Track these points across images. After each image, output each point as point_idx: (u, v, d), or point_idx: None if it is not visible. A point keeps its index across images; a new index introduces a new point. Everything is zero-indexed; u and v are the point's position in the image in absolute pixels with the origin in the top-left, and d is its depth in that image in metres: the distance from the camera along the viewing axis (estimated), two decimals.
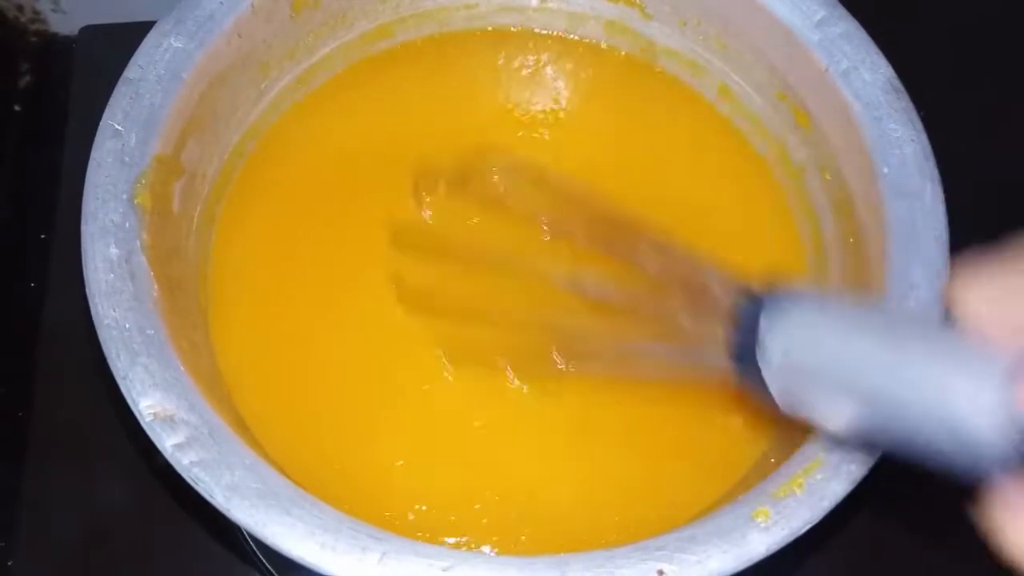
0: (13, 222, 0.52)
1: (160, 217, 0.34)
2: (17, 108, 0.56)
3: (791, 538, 0.28)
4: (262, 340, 0.37)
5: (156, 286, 0.32)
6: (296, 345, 0.37)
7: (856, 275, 0.35)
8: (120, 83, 0.34)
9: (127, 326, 0.30)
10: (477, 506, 0.34)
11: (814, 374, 0.24)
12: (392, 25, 0.44)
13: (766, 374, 0.24)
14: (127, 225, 0.32)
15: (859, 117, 0.36)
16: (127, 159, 0.33)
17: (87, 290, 0.30)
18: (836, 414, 0.24)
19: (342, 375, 0.37)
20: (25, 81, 0.58)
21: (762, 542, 0.28)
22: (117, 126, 0.33)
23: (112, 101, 0.34)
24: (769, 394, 0.25)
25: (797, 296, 0.25)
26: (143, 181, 0.33)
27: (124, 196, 0.32)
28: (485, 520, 0.34)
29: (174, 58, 0.35)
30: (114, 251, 0.31)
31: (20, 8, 0.57)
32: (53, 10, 0.58)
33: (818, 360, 0.23)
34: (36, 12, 0.58)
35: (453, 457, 0.35)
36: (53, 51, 0.58)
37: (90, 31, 0.53)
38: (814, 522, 0.28)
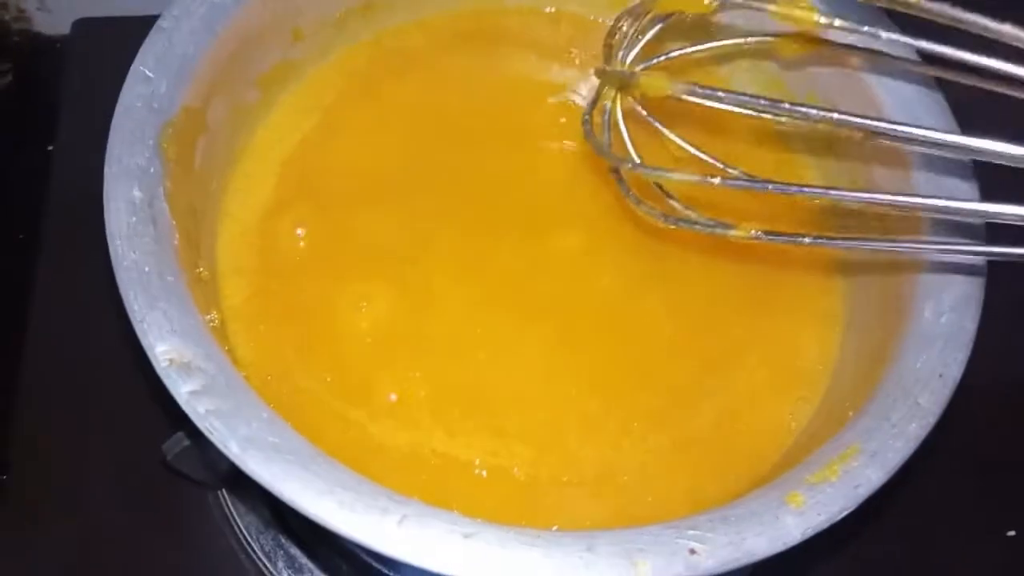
0: None
1: (183, 169, 0.33)
2: None
3: (827, 524, 0.27)
4: (266, 327, 0.36)
5: (177, 235, 0.31)
6: (302, 337, 0.36)
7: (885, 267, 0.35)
8: (153, 31, 0.34)
9: (146, 269, 0.29)
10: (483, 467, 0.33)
11: None
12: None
13: None
14: (152, 170, 0.31)
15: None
16: (156, 105, 0.32)
17: (107, 231, 0.29)
18: None
19: (346, 367, 0.35)
20: (6, 81, 0.57)
21: (797, 526, 0.27)
22: (148, 72, 0.33)
23: (144, 48, 0.33)
24: None
25: None
26: (170, 130, 0.32)
27: (151, 141, 0.31)
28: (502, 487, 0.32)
29: (210, 11, 0.35)
30: (137, 194, 0.30)
31: (4, 7, 0.57)
32: (39, 8, 0.57)
33: None
34: (20, 11, 0.57)
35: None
36: (37, 50, 0.58)
37: (83, 25, 0.53)
38: (850, 509, 0.27)
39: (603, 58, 0.35)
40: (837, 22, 0.28)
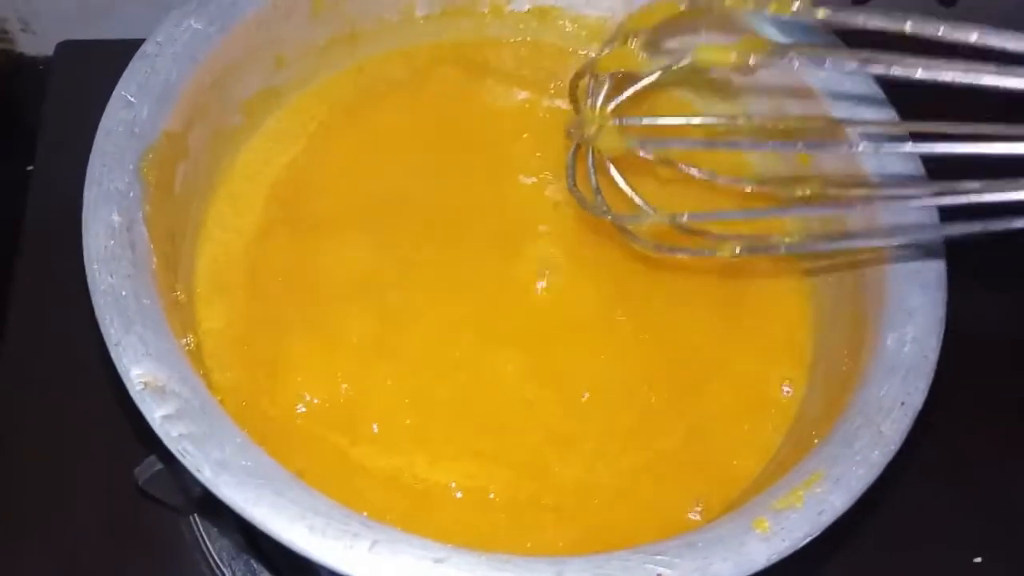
0: None
1: (163, 193, 0.33)
2: None
3: (792, 550, 0.27)
4: (244, 351, 0.36)
5: (155, 259, 0.31)
6: (281, 362, 0.36)
7: (852, 301, 0.36)
8: (136, 57, 0.34)
9: (123, 293, 0.29)
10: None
11: None
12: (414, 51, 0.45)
13: None
14: (131, 194, 0.31)
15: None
16: (137, 130, 0.33)
17: (85, 254, 0.30)
18: None
19: (325, 391, 0.35)
20: None
21: (762, 552, 0.27)
22: (130, 97, 0.33)
23: (127, 74, 0.34)
24: None
25: None
26: (151, 155, 0.33)
27: (131, 166, 0.32)
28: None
29: (193, 38, 0.35)
30: (116, 218, 0.30)
31: None
32: (23, 30, 0.57)
33: None
34: (4, 32, 0.57)
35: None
36: (20, 71, 0.58)
37: (67, 47, 0.53)
38: (814, 535, 0.28)
39: (573, 109, 0.37)
40: (752, 60, 0.29)
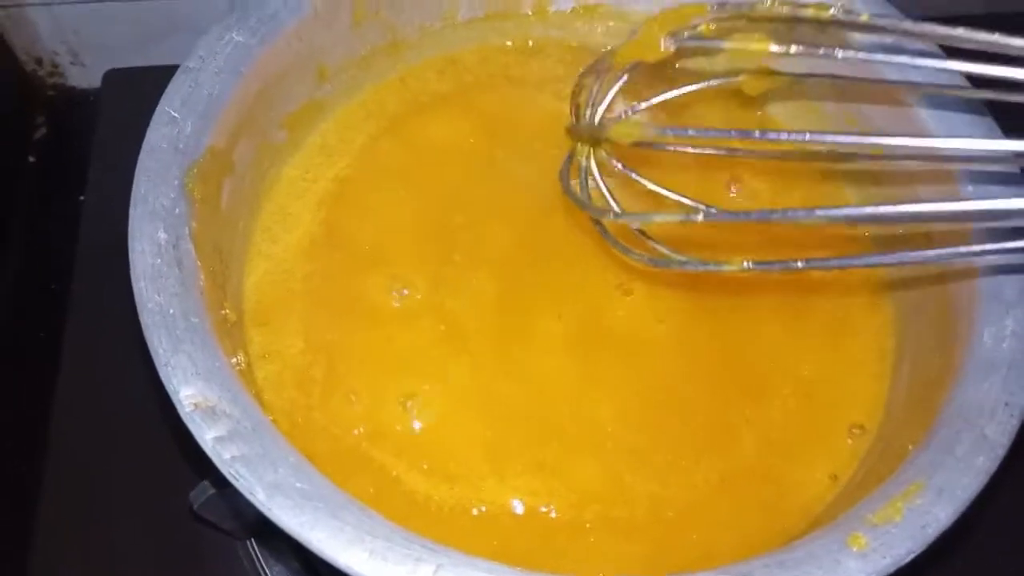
0: (27, 273, 0.51)
1: (209, 209, 0.33)
2: (32, 160, 0.56)
3: (893, 568, 0.25)
4: (296, 370, 0.35)
5: (202, 276, 0.30)
6: (334, 382, 0.35)
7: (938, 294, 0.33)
8: (179, 72, 0.34)
9: (171, 311, 0.28)
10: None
11: None
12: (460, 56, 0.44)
13: None
14: (177, 211, 0.31)
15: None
16: (181, 146, 0.32)
17: (131, 273, 0.29)
18: None
19: (376, 413, 0.34)
20: (40, 133, 0.57)
21: (860, 570, 0.25)
22: (174, 113, 0.32)
23: (169, 89, 0.33)
24: None
25: None
26: (195, 170, 0.32)
27: (176, 182, 0.31)
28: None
29: (235, 52, 0.35)
30: (163, 236, 0.30)
31: (39, 61, 0.57)
32: (72, 63, 0.58)
33: None
34: (55, 65, 0.58)
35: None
36: (71, 104, 0.58)
37: (114, 75, 0.53)
38: (917, 551, 0.25)
39: (572, 116, 0.35)
40: (793, 49, 0.28)
